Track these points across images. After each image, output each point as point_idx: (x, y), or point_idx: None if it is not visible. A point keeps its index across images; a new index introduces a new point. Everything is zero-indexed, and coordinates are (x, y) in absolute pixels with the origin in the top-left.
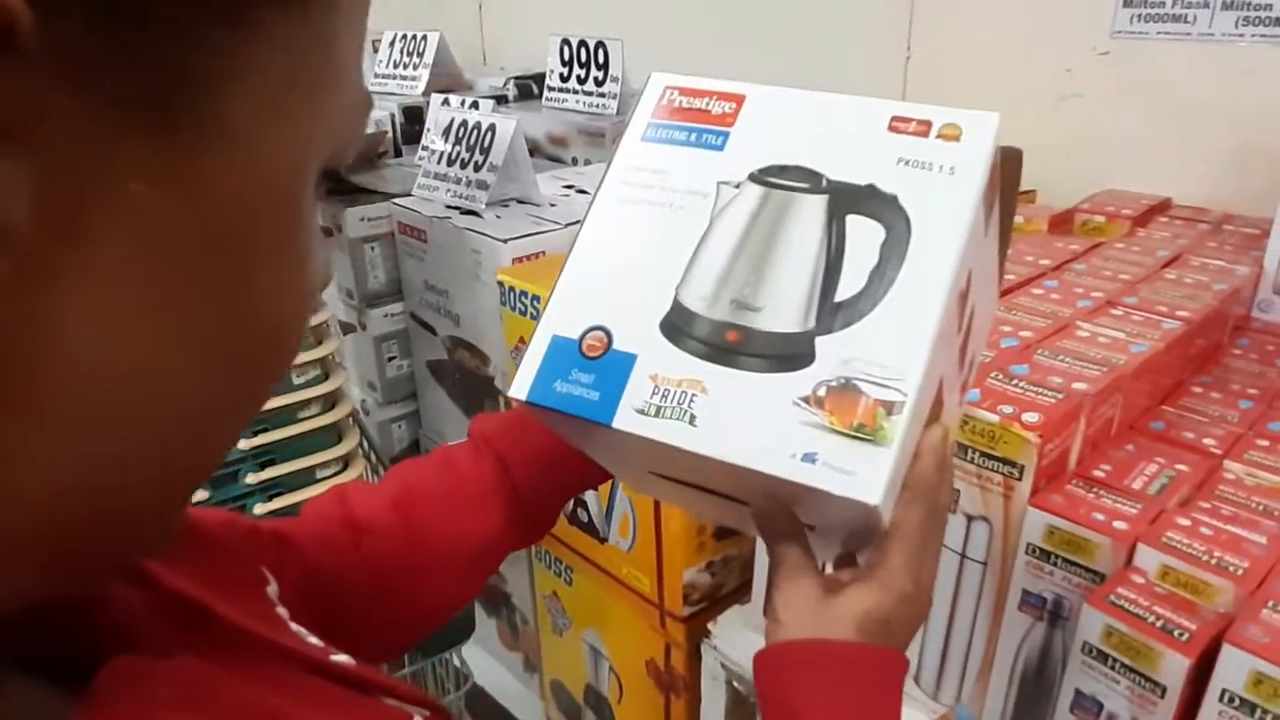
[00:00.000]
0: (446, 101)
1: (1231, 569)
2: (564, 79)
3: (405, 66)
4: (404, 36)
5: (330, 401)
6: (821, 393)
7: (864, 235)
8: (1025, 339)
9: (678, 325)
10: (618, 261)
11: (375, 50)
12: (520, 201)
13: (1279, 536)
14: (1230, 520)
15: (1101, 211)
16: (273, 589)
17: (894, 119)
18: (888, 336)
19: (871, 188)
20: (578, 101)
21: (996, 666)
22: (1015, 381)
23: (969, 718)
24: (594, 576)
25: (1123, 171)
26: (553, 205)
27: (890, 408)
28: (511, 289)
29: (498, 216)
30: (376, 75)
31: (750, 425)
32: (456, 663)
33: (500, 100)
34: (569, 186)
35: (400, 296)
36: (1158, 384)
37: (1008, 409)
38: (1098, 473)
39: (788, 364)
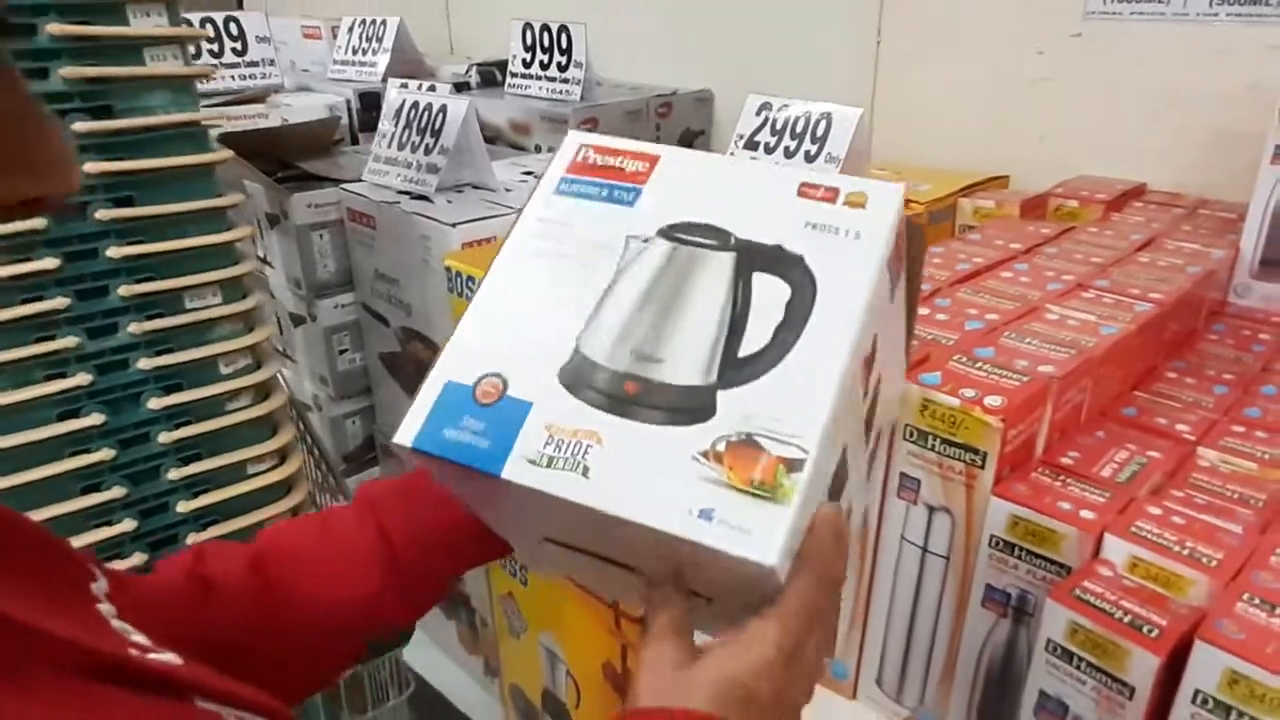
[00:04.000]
0: (405, 85)
1: (1205, 560)
2: (526, 65)
3: (364, 53)
4: (363, 22)
5: (263, 392)
6: (721, 448)
7: (770, 294)
8: (991, 321)
9: (577, 374)
10: (520, 311)
11: (335, 36)
12: (475, 187)
13: (1255, 526)
14: (1204, 509)
15: (1075, 196)
16: (100, 585)
17: (803, 185)
18: (791, 393)
19: (779, 248)
20: (540, 88)
21: (960, 666)
22: (979, 364)
23: None
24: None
25: (1096, 156)
26: (508, 190)
27: (791, 465)
28: (459, 274)
29: (449, 201)
30: (336, 62)
31: (645, 479)
32: (388, 671)
33: (462, 88)
34: (528, 173)
35: (351, 286)
36: (1130, 368)
37: (970, 393)
38: (1065, 460)
39: (687, 417)
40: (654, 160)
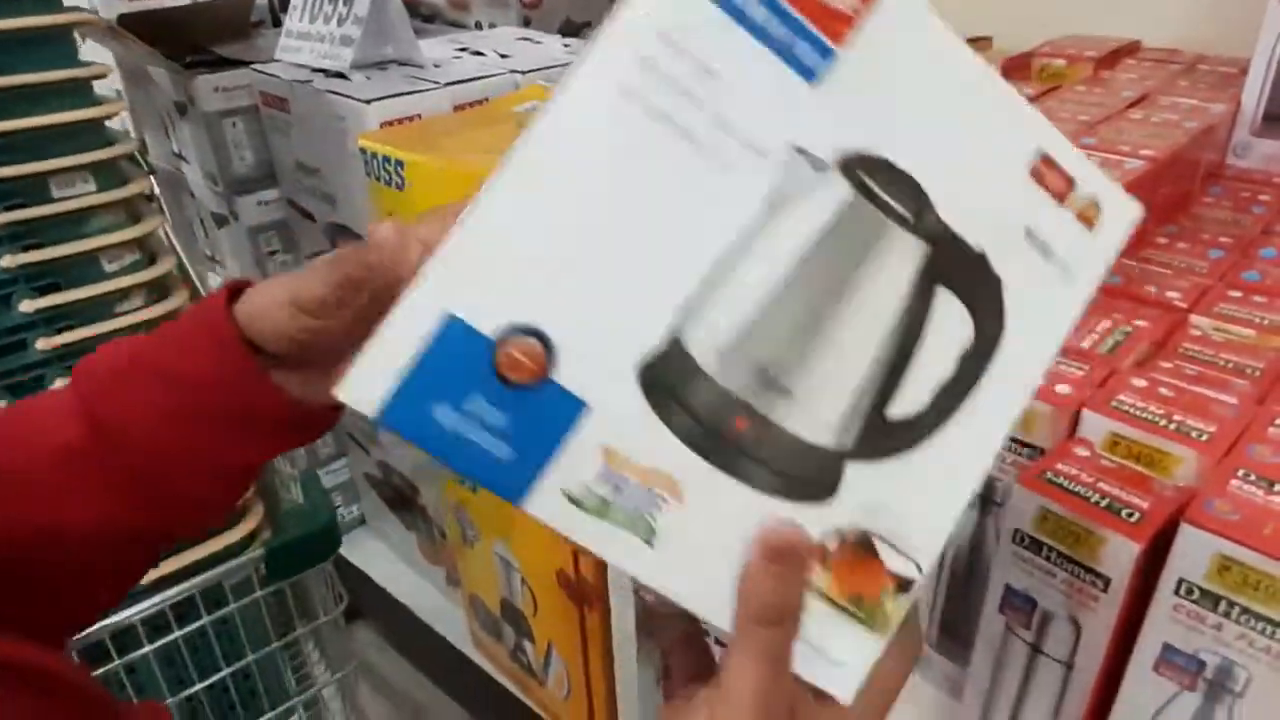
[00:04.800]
0: None
1: (1194, 435)
2: None
3: None
4: None
5: (159, 291)
6: (830, 543)
7: (948, 324)
8: None
9: (668, 379)
10: (592, 215)
11: None
12: (399, 63)
13: (1252, 397)
14: (1195, 380)
15: (1062, 54)
16: None
17: (1042, 160)
18: (928, 485)
19: (982, 260)
20: None
21: None
22: None
23: None
24: None
25: (1087, 13)
26: (437, 66)
27: (901, 585)
28: (374, 155)
29: (368, 78)
30: None
31: (723, 566)
32: (325, 584)
33: None
34: (463, 49)
35: (274, 181)
36: None
37: None
38: None
39: (801, 490)
40: (870, 3)
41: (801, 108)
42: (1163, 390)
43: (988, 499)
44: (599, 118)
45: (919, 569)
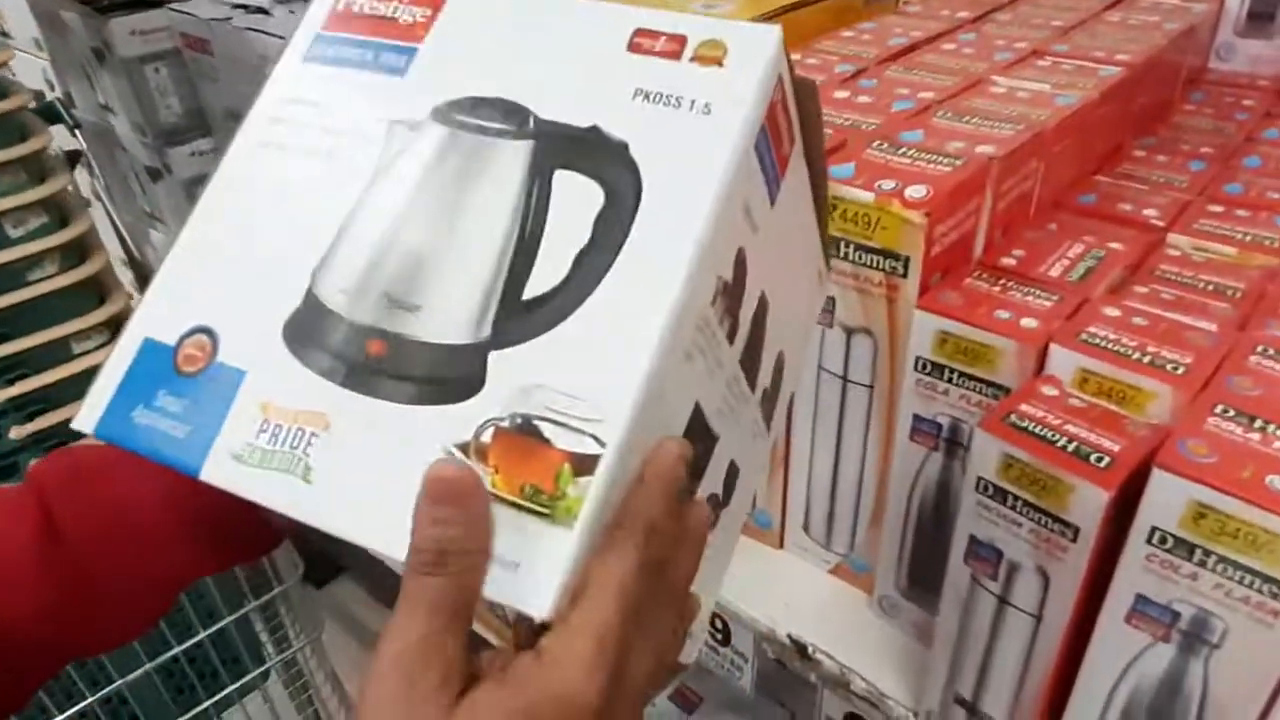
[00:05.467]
0: None
1: (1170, 367)
2: None
3: None
4: None
5: (77, 254)
6: (486, 437)
7: (577, 203)
8: (924, 100)
9: (306, 329)
10: (245, 234)
11: None
12: None
13: (1233, 321)
14: (1172, 306)
15: None
16: None
17: (637, 33)
18: (592, 352)
19: (593, 132)
20: None
21: (890, 508)
22: (903, 150)
23: (863, 566)
24: None
25: None
26: None
27: (581, 464)
28: None
29: (292, 12)
30: None
31: (381, 485)
32: (283, 553)
33: None
34: None
35: (208, 130)
36: (1091, 147)
37: (888, 184)
38: (1008, 260)
39: (444, 392)
40: (437, 5)
41: (396, 95)
42: (1136, 319)
43: (953, 442)
44: (242, 164)
45: (599, 441)
